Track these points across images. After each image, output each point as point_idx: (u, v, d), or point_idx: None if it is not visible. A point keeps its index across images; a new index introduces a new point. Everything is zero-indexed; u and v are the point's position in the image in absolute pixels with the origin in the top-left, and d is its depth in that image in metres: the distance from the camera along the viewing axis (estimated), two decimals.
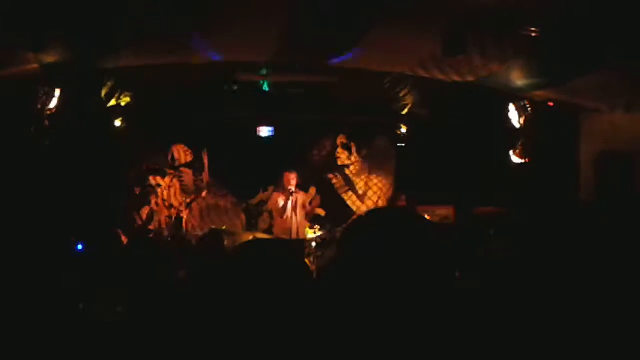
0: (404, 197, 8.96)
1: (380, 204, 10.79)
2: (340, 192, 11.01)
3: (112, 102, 8.83)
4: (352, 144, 11.02)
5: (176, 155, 10.24)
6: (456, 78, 6.80)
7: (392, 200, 10.08)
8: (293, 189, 7.93)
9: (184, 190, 10.23)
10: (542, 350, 1.83)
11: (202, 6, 4.90)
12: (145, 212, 8.57)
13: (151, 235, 8.28)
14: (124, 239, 8.01)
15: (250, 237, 6.92)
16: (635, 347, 1.98)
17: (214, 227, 9.03)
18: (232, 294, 1.75)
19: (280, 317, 1.69)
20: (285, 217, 7.97)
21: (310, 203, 8.39)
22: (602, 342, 1.98)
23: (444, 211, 8.97)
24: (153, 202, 9.11)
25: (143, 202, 8.51)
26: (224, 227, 9.22)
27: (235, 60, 7.51)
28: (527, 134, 8.02)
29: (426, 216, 8.60)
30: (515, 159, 8.22)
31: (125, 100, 8.95)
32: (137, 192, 8.59)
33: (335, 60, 6.81)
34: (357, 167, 11.09)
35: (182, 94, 8.89)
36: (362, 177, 11.11)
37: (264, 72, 8.19)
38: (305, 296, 1.74)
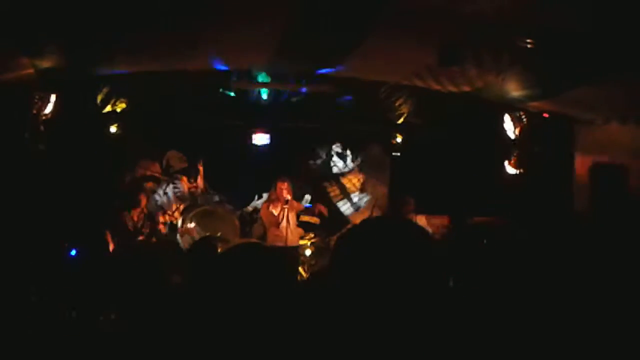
0: (411, 201, 8.95)
1: (375, 213, 10.78)
2: (335, 200, 11.01)
3: (108, 108, 8.83)
4: (348, 152, 11.04)
5: (171, 161, 10.24)
6: (452, 88, 6.82)
7: (398, 205, 10.01)
8: (288, 197, 7.90)
9: (179, 196, 10.22)
10: (535, 358, 1.83)
11: (199, 12, 4.90)
12: (139, 218, 8.55)
13: (145, 242, 8.25)
14: (118, 245, 8.00)
15: None
16: (631, 356, 1.98)
17: (208, 233, 9.01)
18: (223, 297, 1.75)
19: (269, 322, 1.69)
20: (279, 227, 7.92)
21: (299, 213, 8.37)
22: (597, 351, 1.98)
23: (439, 221, 8.98)
24: (147, 208, 9.09)
25: (137, 208, 8.48)
26: (218, 234, 9.20)
27: (231, 67, 7.52)
28: (522, 144, 8.04)
29: (423, 221, 8.61)
30: (510, 170, 8.23)
31: (120, 106, 8.95)
32: (132, 198, 8.56)
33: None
34: (353, 176, 11.11)
35: (178, 100, 8.90)
36: (357, 185, 11.12)
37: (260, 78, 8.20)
38: (295, 300, 1.74)
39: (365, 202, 11.09)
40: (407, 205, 8.65)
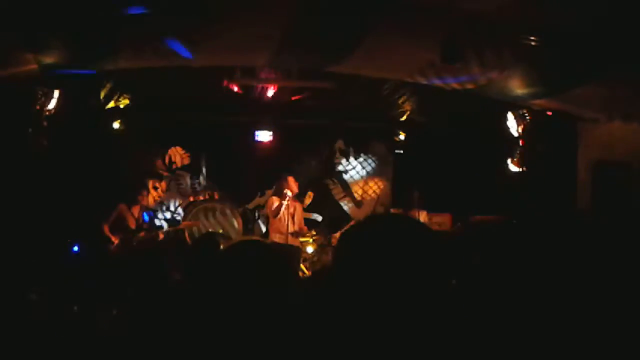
0: (417, 195, 8.98)
1: (378, 210, 10.78)
2: (337, 197, 11.01)
3: (111, 104, 8.84)
4: (351, 149, 11.03)
5: (174, 157, 10.25)
6: (455, 86, 6.81)
7: (404, 200, 9.98)
8: (291, 193, 7.91)
9: (181, 193, 10.23)
10: (538, 355, 1.83)
11: (202, 9, 4.90)
12: (139, 214, 8.56)
13: (147, 238, 8.26)
14: (121, 241, 8.02)
15: None
16: (631, 354, 1.98)
17: (210, 230, 9.03)
18: (224, 294, 1.75)
19: (271, 319, 1.69)
20: (279, 218, 7.93)
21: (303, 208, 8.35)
22: (598, 350, 1.98)
23: (441, 218, 8.98)
24: (150, 204, 9.12)
25: (137, 205, 8.49)
26: (220, 231, 9.22)
27: (234, 63, 7.52)
28: (525, 142, 8.03)
29: (424, 216, 8.63)
30: (513, 168, 8.22)
31: (123, 102, 8.96)
32: (135, 195, 8.57)
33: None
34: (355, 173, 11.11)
35: (181, 96, 8.89)
36: (360, 183, 11.11)
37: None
38: (296, 298, 1.74)
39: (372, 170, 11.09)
40: (413, 199, 8.73)
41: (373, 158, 11.12)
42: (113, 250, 7.85)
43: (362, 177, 11.07)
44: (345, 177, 11.04)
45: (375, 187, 11.11)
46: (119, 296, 3.97)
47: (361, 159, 11.08)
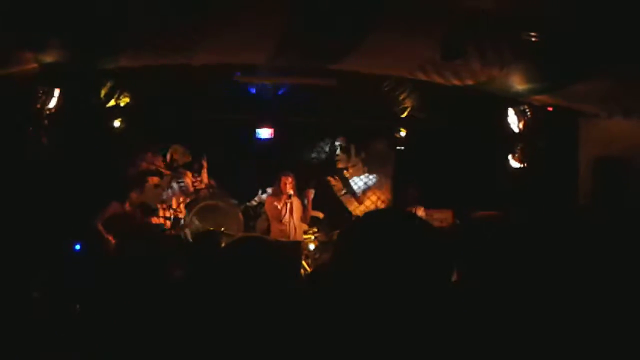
0: (415, 191, 9.00)
1: (379, 207, 10.78)
2: (338, 194, 11.00)
3: (112, 103, 8.84)
4: (351, 146, 11.02)
5: (175, 156, 10.25)
6: (455, 82, 6.80)
7: (401, 196, 9.96)
8: (291, 192, 7.87)
9: (182, 191, 10.23)
10: (539, 353, 1.83)
11: (201, 7, 4.90)
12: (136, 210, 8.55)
13: (147, 236, 8.26)
14: (118, 239, 8.02)
15: None
16: (631, 352, 1.98)
17: (211, 228, 9.03)
18: (225, 291, 1.75)
19: (271, 316, 1.69)
20: (283, 221, 7.90)
21: (305, 209, 8.29)
22: (598, 347, 1.98)
23: (442, 215, 8.98)
24: (151, 202, 9.11)
25: (127, 202, 8.47)
26: (222, 229, 9.22)
27: (234, 61, 7.51)
28: (526, 138, 8.03)
29: (421, 212, 8.64)
30: (514, 164, 8.22)
31: (124, 101, 8.96)
32: (129, 192, 8.57)
33: None
34: (356, 170, 11.09)
35: (182, 94, 8.89)
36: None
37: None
38: (297, 295, 1.74)
39: (374, 183, 11.06)
40: (410, 194, 8.74)
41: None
42: (111, 248, 7.83)
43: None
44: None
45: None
46: (121, 294, 3.98)
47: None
